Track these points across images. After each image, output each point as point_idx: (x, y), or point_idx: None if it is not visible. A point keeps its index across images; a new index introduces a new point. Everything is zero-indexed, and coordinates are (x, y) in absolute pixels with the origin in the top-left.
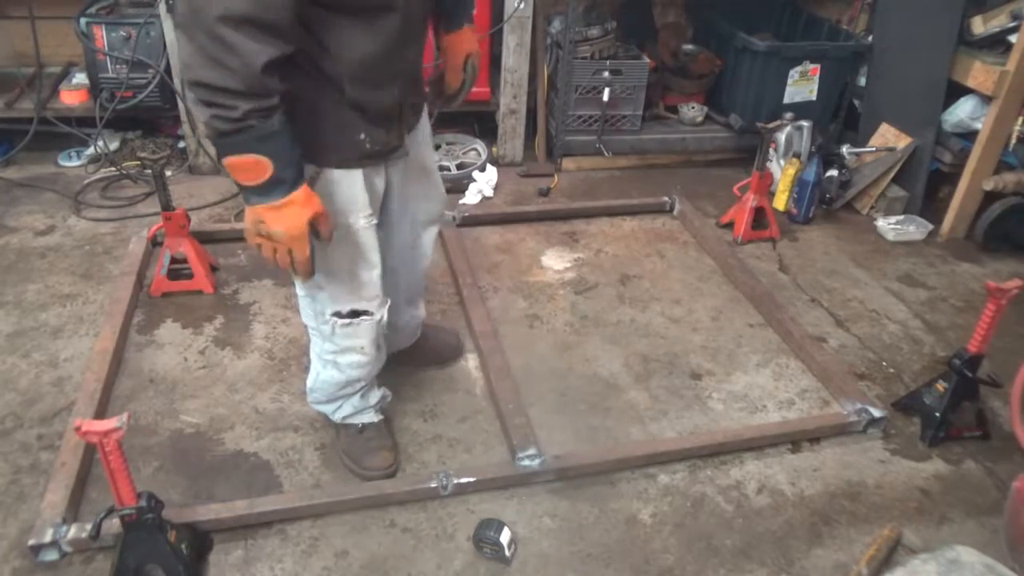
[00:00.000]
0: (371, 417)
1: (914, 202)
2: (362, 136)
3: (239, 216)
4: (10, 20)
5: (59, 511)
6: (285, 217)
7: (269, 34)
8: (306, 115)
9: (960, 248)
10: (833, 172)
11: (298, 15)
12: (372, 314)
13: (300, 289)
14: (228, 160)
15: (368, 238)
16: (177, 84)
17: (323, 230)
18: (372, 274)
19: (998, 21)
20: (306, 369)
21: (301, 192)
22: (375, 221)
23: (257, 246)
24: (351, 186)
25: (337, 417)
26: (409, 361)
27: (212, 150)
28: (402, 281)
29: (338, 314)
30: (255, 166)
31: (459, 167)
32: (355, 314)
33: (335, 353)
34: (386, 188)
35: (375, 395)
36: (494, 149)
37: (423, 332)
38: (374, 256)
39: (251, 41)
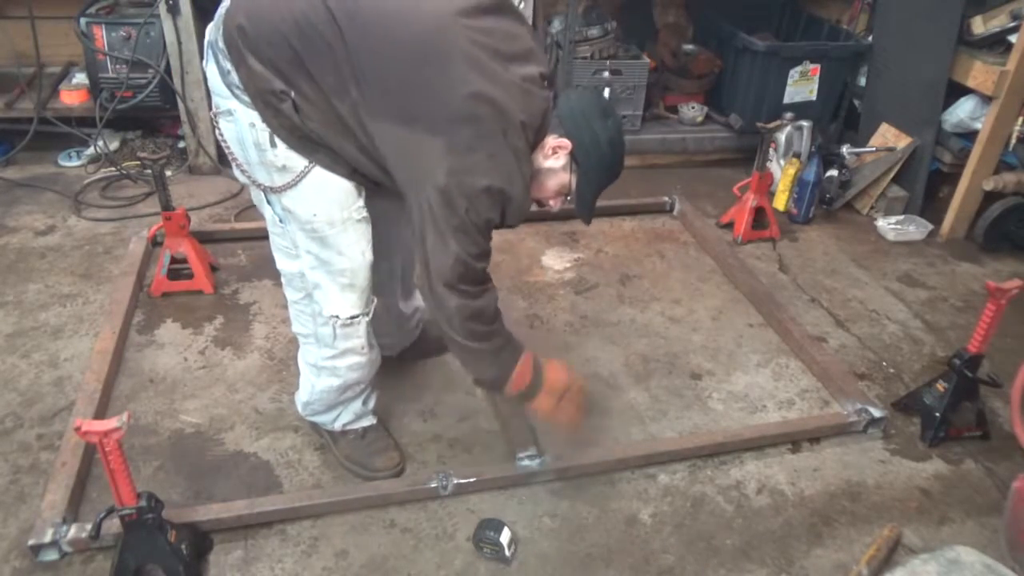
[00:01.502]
0: (371, 420)
1: (914, 202)
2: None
3: (239, 216)
4: (10, 20)
5: (59, 511)
6: (557, 377)
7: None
8: (318, 133)
9: (960, 248)
10: (833, 172)
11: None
12: (368, 314)
13: (295, 293)
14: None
15: (364, 229)
16: (177, 84)
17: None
18: (367, 266)
19: (998, 21)
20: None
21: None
22: (365, 212)
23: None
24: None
25: (337, 425)
26: (410, 354)
27: (212, 150)
28: (397, 269)
29: (336, 317)
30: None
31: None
32: (353, 316)
33: (334, 357)
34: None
35: (374, 398)
36: None
37: (423, 326)
38: (369, 248)
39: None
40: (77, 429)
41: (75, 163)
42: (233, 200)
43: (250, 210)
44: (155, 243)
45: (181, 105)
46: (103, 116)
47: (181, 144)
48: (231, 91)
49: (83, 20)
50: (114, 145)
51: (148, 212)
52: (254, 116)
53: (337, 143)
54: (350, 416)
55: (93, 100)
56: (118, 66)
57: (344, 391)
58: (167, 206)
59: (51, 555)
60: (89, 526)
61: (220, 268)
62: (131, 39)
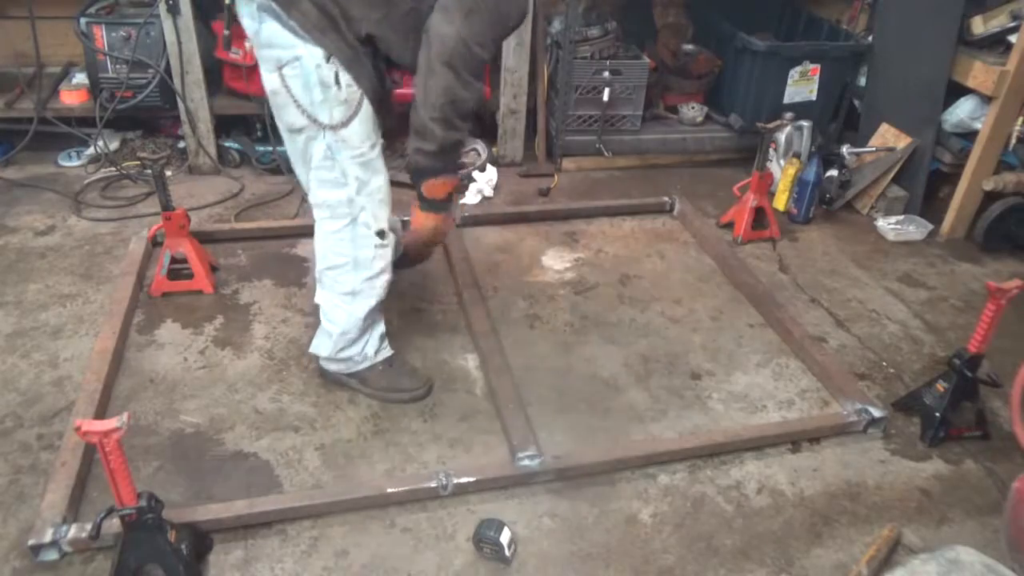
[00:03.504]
0: (389, 350)
1: (914, 202)
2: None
3: (239, 216)
4: (10, 20)
5: (59, 511)
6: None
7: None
8: (370, 25)
9: (960, 248)
10: (833, 172)
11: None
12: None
13: (337, 222)
14: (442, 179)
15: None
16: (177, 84)
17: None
18: (387, 188)
19: (998, 21)
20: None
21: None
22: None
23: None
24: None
25: (365, 356)
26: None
27: (212, 150)
28: None
29: (381, 232)
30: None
31: (459, 167)
32: (383, 234)
33: (372, 278)
34: None
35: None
36: (494, 149)
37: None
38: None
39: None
40: (77, 429)
41: (75, 163)
42: (233, 200)
43: (250, 210)
44: (155, 243)
45: (181, 105)
46: (103, 116)
47: (181, 144)
48: (295, 35)
49: (83, 20)
50: (114, 145)
51: (148, 212)
52: (318, 55)
53: (387, 21)
54: (375, 345)
55: (93, 100)
56: (118, 66)
57: (375, 312)
58: (167, 206)
59: (51, 555)
60: (89, 526)
61: (220, 268)
62: (131, 39)
